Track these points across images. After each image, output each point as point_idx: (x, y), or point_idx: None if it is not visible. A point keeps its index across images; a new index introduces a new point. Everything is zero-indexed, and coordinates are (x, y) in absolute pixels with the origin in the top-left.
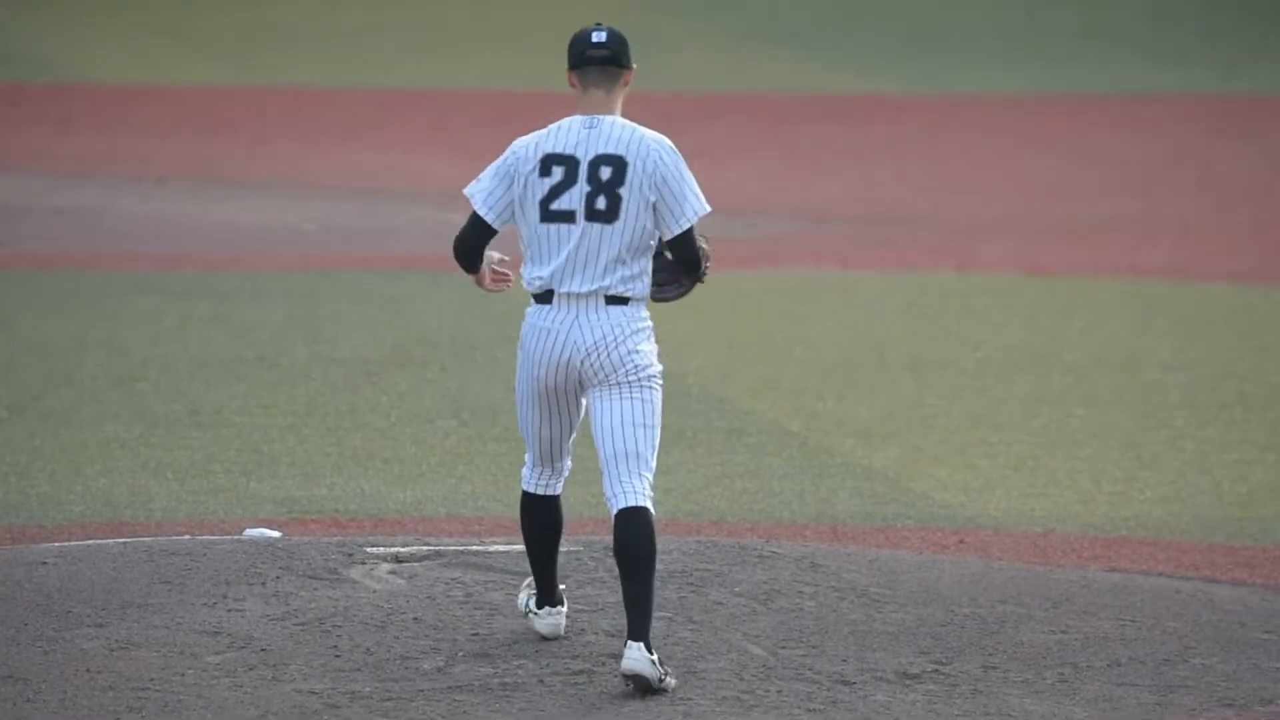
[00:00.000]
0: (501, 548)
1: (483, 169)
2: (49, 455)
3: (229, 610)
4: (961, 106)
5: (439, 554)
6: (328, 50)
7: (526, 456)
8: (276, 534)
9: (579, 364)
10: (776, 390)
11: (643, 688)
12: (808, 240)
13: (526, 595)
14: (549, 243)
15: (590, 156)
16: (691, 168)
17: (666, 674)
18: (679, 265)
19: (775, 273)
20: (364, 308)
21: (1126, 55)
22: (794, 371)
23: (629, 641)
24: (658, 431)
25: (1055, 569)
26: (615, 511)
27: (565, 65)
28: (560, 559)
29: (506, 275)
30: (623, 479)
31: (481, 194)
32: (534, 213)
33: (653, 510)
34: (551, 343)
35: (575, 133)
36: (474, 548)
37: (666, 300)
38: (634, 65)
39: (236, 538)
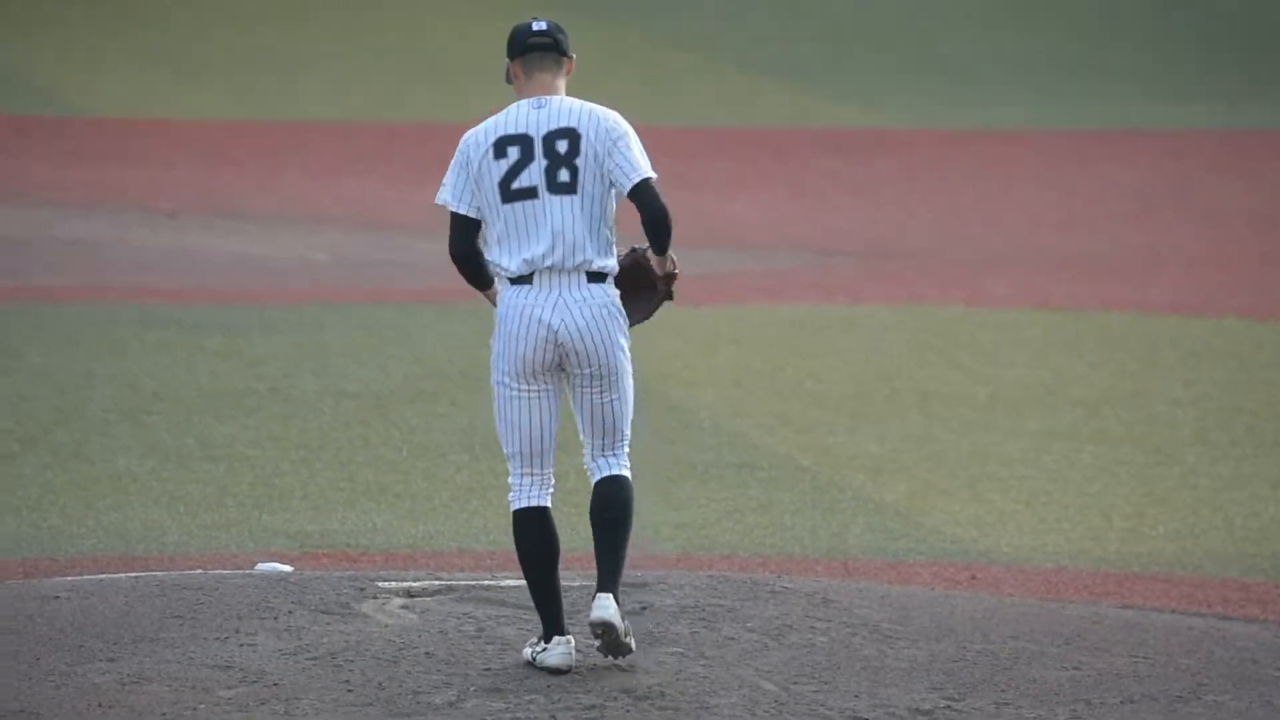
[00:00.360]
0: (513, 582)
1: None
2: (60, 489)
3: (241, 645)
4: (967, 140)
5: (450, 588)
6: (336, 83)
7: (511, 470)
8: (288, 568)
9: (567, 344)
10: (787, 425)
11: (611, 643)
12: (816, 274)
13: (530, 649)
14: (517, 223)
15: (544, 132)
16: (700, 201)
17: (629, 632)
18: (644, 253)
19: (784, 307)
20: (374, 340)
21: (1130, 90)
22: (804, 406)
23: (598, 593)
24: (633, 404)
25: (1067, 605)
26: (596, 480)
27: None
28: (571, 595)
29: None
30: (605, 453)
31: (450, 191)
32: (494, 196)
33: (630, 477)
34: (535, 321)
35: (525, 114)
36: (485, 582)
37: (641, 323)
38: (573, 55)
39: (248, 572)
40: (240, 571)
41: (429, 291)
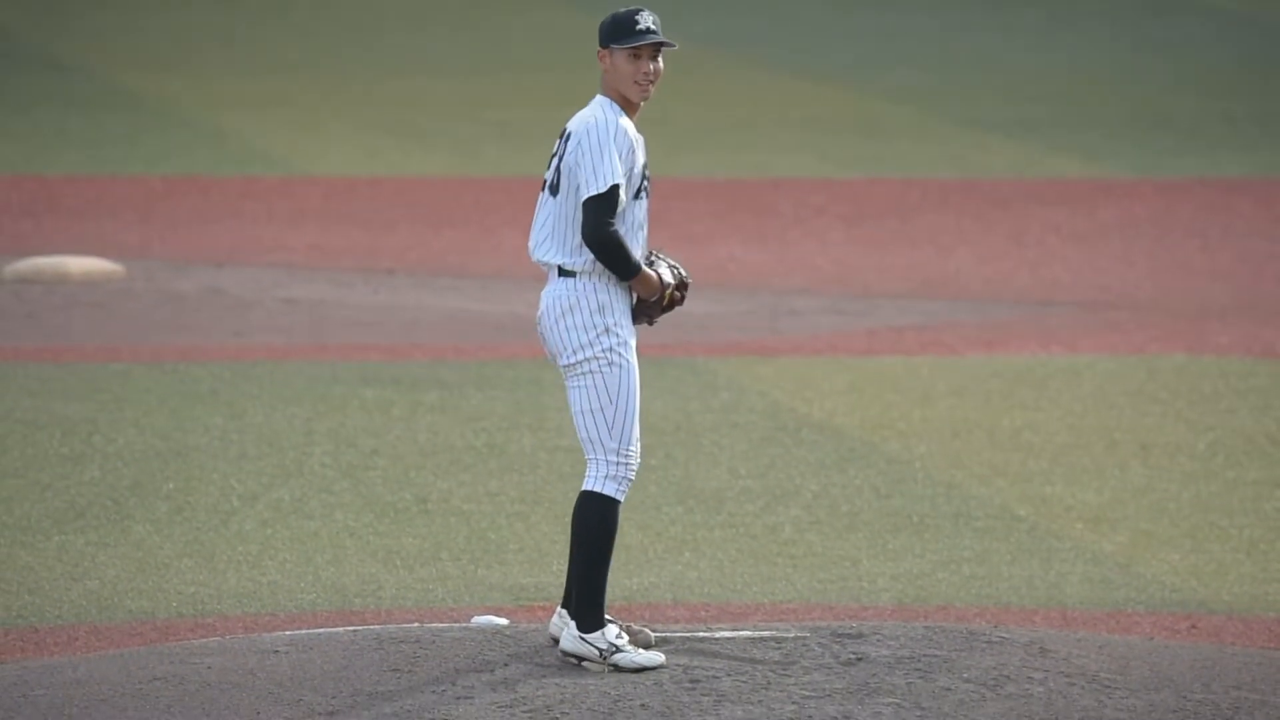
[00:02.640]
0: (728, 634)
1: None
2: (279, 544)
3: (458, 698)
4: (1189, 190)
5: (666, 640)
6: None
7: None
8: (504, 621)
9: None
10: (1004, 475)
11: (574, 659)
12: (1034, 325)
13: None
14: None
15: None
16: (918, 253)
17: (608, 650)
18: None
19: (1003, 358)
20: None
21: None
22: (1022, 456)
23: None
24: (610, 412)
25: None
26: None
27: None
28: (787, 645)
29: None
30: (588, 464)
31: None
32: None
33: (602, 492)
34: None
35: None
36: (700, 634)
37: (643, 323)
38: (601, 46)
39: (465, 625)
40: (456, 625)
41: (647, 347)
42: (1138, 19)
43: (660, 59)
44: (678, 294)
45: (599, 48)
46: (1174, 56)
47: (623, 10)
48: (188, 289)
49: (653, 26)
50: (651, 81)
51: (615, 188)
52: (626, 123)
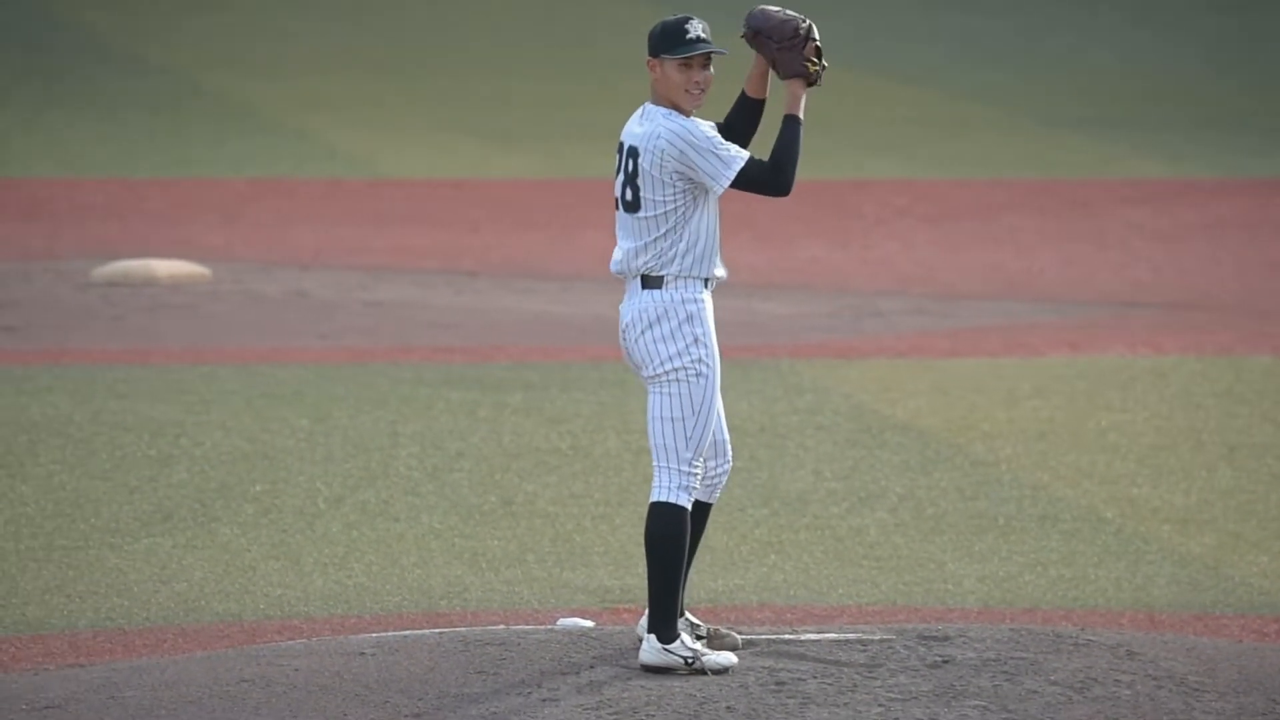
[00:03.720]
0: (814, 636)
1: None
2: (365, 546)
3: (544, 700)
4: (1273, 189)
5: (751, 643)
6: None
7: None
8: (590, 623)
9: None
10: (1090, 477)
11: (658, 671)
12: (1119, 326)
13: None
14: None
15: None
16: (1001, 254)
17: (691, 658)
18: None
19: (1087, 359)
20: None
21: None
22: (1107, 458)
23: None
24: (690, 423)
25: None
26: None
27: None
28: (873, 647)
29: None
30: (655, 472)
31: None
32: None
33: (675, 502)
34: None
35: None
36: (786, 636)
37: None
38: (650, 56)
39: (550, 627)
40: (542, 627)
41: (728, 349)
42: (1218, 19)
43: (711, 67)
44: (816, 60)
45: (649, 57)
46: (1255, 55)
47: (672, 19)
48: (273, 291)
49: (703, 35)
50: (703, 90)
51: (747, 159)
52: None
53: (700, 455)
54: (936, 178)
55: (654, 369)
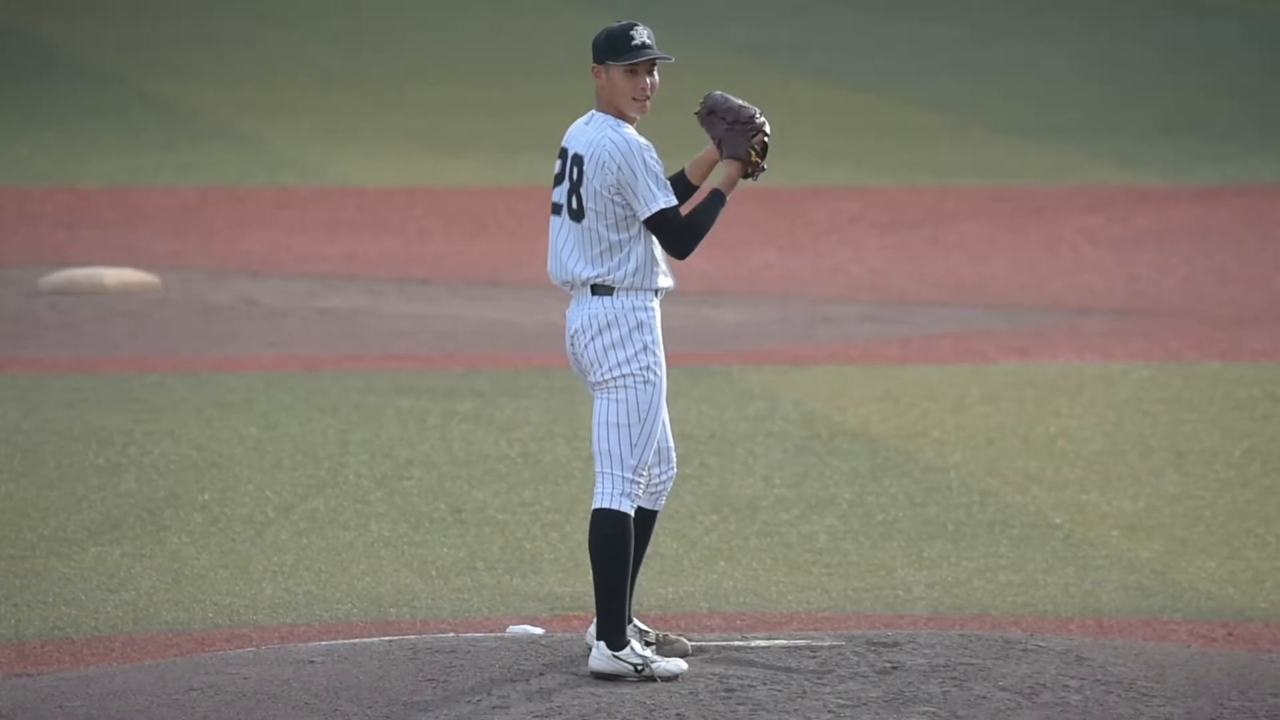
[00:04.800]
0: (763, 643)
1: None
2: (315, 554)
3: (493, 707)
4: (1225, 196)
5: (701, 649)
6: None
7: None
8: (540, 631)
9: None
10: (1039, 483)
11: (608, 679)
12: (1069, 332)
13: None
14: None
15: (571, 153)
16: (952, 260)
17: (641, 664)
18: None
19: (1037, 365)
20: None
21: None
22: (1056, 464)
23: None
24: (636, 430)
25: None
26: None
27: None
28: (823, 654)
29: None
30: (598, 479)
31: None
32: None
33: (617, 509)
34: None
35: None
36: (735, 643)
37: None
38: (596, 62)
39: (500, 635)
40: (492, 635)
41: (680, 355)
42: (1173, 25)
43: (655, 73)
44: (759, 151)
45: (594, 63)
46: (1209, 62)
47: (616, 26)
48: (222, 299)
49: (648, 41)
50: (648, 97)
51: (675, 205)
52: (636, 133)
53: (644, 463)
54: (888, 185)
55: (602, 374)
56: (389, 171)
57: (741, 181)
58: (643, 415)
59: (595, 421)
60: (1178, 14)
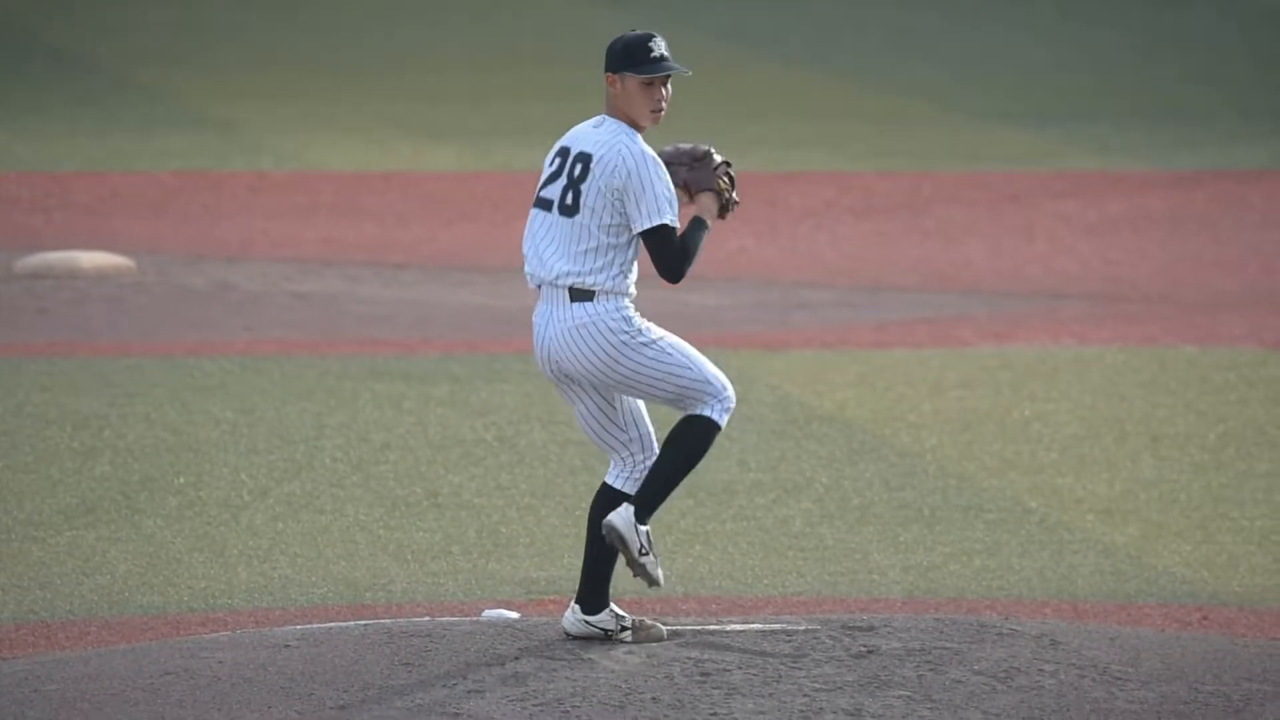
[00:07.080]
0: (739, 627)
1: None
2: (290, 539)
3: (469, 691)
4: (1201, 182)
5: (677, 633)
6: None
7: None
8: (515, 615)
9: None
10: (1015, 467)
11: (617, 541)
12: (1045, 317)
13: (611, 623)
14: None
15: (575, 151)
16: (929, 246)
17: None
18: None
19: (1013, 349)
20: None
21: None
22: (1032, 448)
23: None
24: (684, 366)
25: None
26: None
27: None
28: (798, 638)
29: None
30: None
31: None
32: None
33: (715, 419)
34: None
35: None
36: (711, 627)
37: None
38: (611, 71)
39: (476, 619)
40: (467, 619)
41: None
42: (1150, 11)
43: (669, 84)
44: (728, 183)
45: (608, 71)
46: (1186, 48)
47: (634, 35)
48: (199, 284)
49: (666, 54)
50: (663, 109)
51: (675, 224)
52: (648, 146)
53: (717, 377)
54: (865, 170)
55: (606, 376)
56: (366, 157)
57: (720, 223)
58: (672, 359)
59: (645, 401)
60: (1155, 1)
